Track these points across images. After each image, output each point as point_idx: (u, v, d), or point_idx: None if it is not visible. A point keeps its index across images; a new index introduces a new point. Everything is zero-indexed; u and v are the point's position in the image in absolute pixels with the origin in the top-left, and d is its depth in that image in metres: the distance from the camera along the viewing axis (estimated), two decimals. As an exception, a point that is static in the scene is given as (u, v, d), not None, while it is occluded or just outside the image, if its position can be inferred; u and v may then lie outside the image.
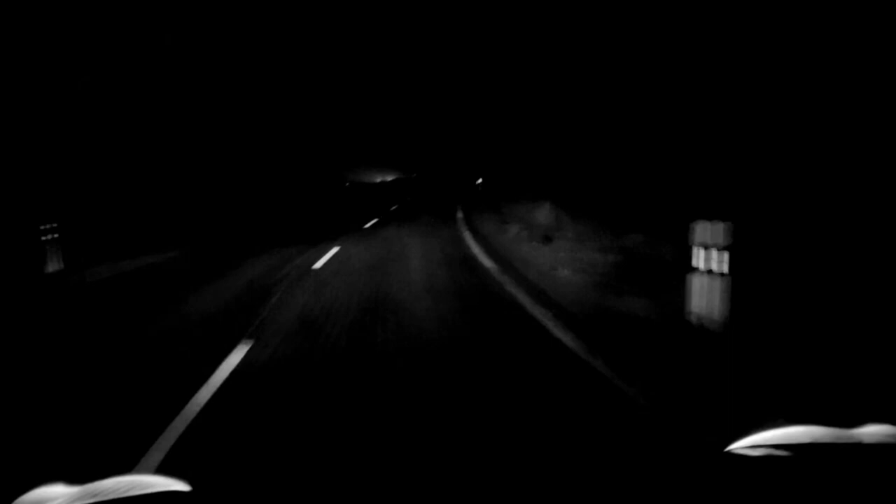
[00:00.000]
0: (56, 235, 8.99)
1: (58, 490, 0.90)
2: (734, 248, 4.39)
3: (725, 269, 4.28)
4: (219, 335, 4.68)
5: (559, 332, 4.54)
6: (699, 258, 4.48)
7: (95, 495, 0.89)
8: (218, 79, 23.20)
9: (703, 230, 4.47)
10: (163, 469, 2.47)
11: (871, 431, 0.99)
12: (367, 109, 51.23)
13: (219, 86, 23.30)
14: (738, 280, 4.31)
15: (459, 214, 17.67)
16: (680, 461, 1.07)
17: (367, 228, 14.68)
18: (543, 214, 12.38)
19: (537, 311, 5.23)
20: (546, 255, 8.16)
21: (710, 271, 4.41)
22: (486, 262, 8.17)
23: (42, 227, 8.80)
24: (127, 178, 16.69)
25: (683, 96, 12.15)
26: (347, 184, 45.71)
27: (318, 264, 8.50)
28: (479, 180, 29.70)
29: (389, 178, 55.61)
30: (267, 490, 0.93)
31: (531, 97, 24.96)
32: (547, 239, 9.36)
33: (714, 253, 4.38)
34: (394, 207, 23.34)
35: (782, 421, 1.04)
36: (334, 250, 10.08)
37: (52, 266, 8.88)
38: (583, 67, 18.61)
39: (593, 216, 11.97)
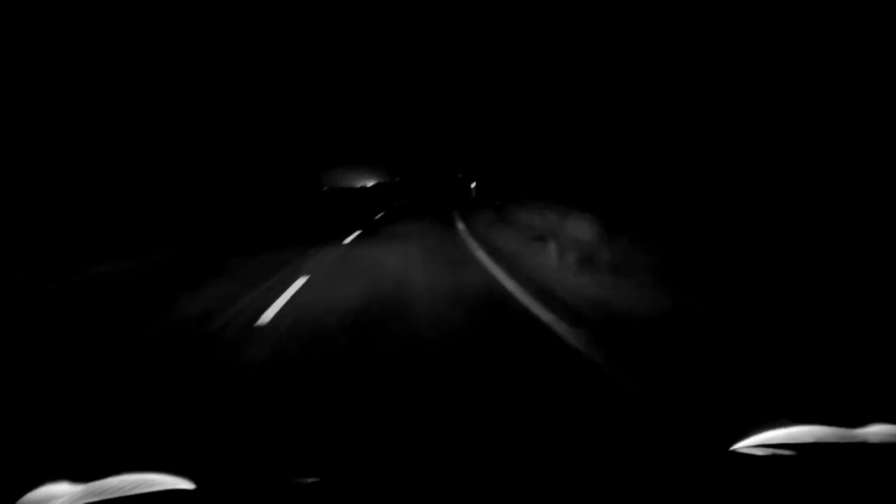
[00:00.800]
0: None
1: (62, 488, 0.88)
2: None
3: None
4: None
5: None
6: None
7: (100, 493, 0.88)
8: (197, 76, 21.88)
9: None
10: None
11: (876, 431, 0.97)
12: (344, 107, 47.85)
13: (194, 83, 21.79)
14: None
15: (460, 225, 14.46)
16: (685, 460, 1.06)
17: (348, 244, 11.40)
18: (583, 228, 9.27)
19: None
20: (637, 303, 5.01)
21: None
22: (543, 313, 4.97)
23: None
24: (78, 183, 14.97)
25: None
26: (325, 188, 42.21)
27: (267, 315, 5.24)
28: (473, 184, 26.53)
29: (370, 183, 52.00)
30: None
31: (525, 92, 22.07)
32: (615, 269, 6.21)
33: None
34: (379, 216, 20.00)
35: (786, 420, 1.01)
36: (299, 284, 6.81)
37: None
38: (586, 55, 15.85)
39: (642, 228, 8.89)
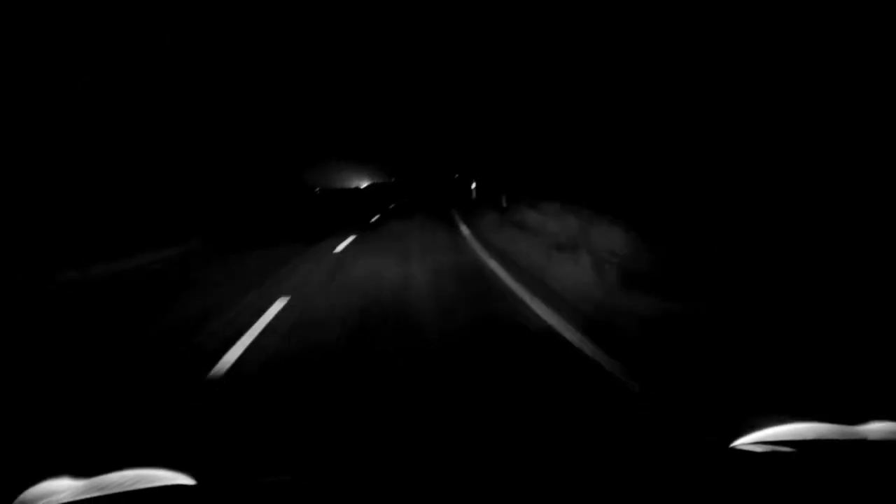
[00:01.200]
0: None
1: (63, 483, 0.87)
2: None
3: None
4: None
5: None
6: None
7: (101, 489, 0.87)
8: (197, 76, 21.68)
9: None
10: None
11: (876, 428, 0.95)
12: (340, 107, 46.54)
13: (194, 82, 21.41)
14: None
15: (465, 230, 13.17)
16: (686, 456, 1.05)
17: (340, 253, 10.08)
18: (614, 234, 8.03)
19: None
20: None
21: None
22: (599, 357, 3.71)
23: None
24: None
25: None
26: (318, 189, 40.81)
27: (232, 354, 3.94)
28: (473, 184, 25.23)
29: (364, 183, 50.56)
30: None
31: (526, 89, 20.88)
32: (683, 297, 4.89)
33: None
34: (375, 218, 18.68)
35: (786, 417, 0.99)
36: (278, 307, 5.51)
37: None
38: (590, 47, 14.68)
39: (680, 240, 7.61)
